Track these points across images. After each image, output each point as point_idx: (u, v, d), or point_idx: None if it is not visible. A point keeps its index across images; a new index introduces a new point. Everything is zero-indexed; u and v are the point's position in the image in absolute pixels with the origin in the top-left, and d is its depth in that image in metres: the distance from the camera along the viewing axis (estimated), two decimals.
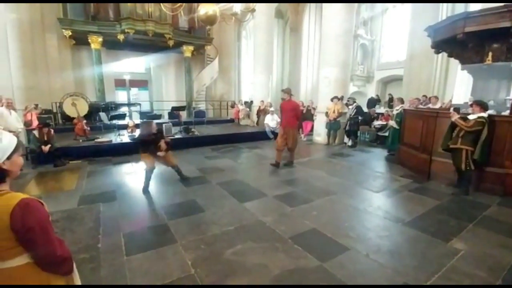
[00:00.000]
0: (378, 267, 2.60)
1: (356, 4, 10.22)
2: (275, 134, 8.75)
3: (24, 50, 10.15)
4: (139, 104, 13.45)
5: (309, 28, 17.29)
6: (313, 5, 16.71)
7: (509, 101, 5.78)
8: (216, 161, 6.81)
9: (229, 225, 3.39)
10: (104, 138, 7.88)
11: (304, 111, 10.58)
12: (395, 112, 7.49)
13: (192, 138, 8.93)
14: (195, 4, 6.56)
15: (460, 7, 10.39)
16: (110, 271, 2.51)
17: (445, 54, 7.35)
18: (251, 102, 13.77)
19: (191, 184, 4.98)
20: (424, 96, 9.12)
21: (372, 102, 14.18)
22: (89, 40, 11.98)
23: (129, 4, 11.78)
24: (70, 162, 6.48)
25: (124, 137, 8.30)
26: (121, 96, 17.16)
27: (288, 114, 6.04)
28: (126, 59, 14.93)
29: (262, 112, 11.78)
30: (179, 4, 6.39)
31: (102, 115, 9.80)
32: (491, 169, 4.56)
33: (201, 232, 3.23)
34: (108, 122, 9.42)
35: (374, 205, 4.12)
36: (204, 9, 5.96)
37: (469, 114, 4.55)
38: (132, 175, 5.61)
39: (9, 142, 1.15)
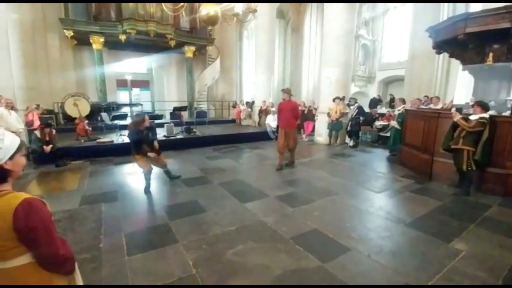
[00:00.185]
0: (380, 267, 2.60)
1: (357, 5, 10.22)
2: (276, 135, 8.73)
3: (26, 50, 10.17)
4: (141, 105, 13.48)
5: (310, 28, 17.28)
6: (314, 5, 16.70)
7: (509, 102, 5.76)
8: (218, 162, 6.82)
9: (231, 226, 3.39)
10: (105, 139, 7.90)
11: (306, 112, 10.59)
12: (396, 112, 7.48)
13: (193, 138, 8.94)
14: (197, 5, 6.58)
15: (461, 8, 10.36)
16: (112, 271, 2.51)
17: (446, 55, 7.34)
18: (253, 102, 13.78)
19: (192, 184, 4.99)
20: (425, 96, 9.10)
21: (374, 103, 14.18)
22: (91, 40, 12.02)
23: (130, 4, 11.81)
24: (72, 162, 6.50)
25: (126, 138, 8.30)
26: (122, 97, 17.21)
27: (288, 115, 5.99)
28: (128, 59, 14.97)
29: (263, 112, 11.78)
30: (180, 4, 6.40)
31: (104, 115, 9.83)
32: (492, 169, 4.55)
33: (203, 232, 3.23)
34: (110, 123, 9.44)
35: (376, 205, 4.11)
36: (206, 10, 5.96)
37: (470, 114, 4.54)
38: (134, 175, 5.61)
39: (12, 142, 1.15)
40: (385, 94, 18.35)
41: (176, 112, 10.51)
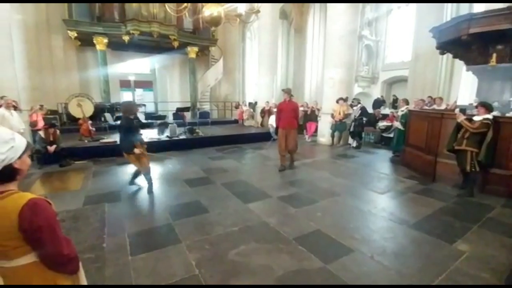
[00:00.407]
0: (383, 269, 2.59)
1: (360, 5, 10.18)
2: None
3: (30, 51, 10.27)
4: (144, 105, 13.53)
5: (313, 29, 17.26)
6: (317, 5, 16.69)
7: None
8: (220, 162, 6.82)
9: (233, 226, 3.39)
10: (109, 139, 7.94)
11: (309, 112, 10.58)
12: (400, 113, 7.45)
13: (196, 138, 8.96)
14: (200, 5, 6.59)
15: (464, 8, 10.31)
16: (115, 270, 2.53)
17: (450, 55, 7.31)
18: (255, 103, 13.79)
19: (195, 185, 5.00)
20: (429, 97, 9.05)
21: (378, 103, 14.13)
22: (94, 41, 12.09)
23: (134, 5, 11.87)
24: (76, 162, 6.54)
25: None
26: (126, 97, 17.24)
27: (289, 115, 5.89)
28: (131, 60, 15.03)
29: (266, 113, 11.78)
30: (184, 5, 6.42)
31: (107, 115, 9.89)
32: (496, 170, 4.52)
33: (205, 232, 3.24)
34: (113, 123, 9.50)
35: (379, 206, 4.10)
36: (209, 11, 5.97)
37: (474, 115, 4.52)
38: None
39: (21, 141, 1.17)
40: (388, 95, 18.29)
41: (179, 113, 10.53)
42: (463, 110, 4.65)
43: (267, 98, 12.62)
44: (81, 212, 3.81)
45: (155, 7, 12.22)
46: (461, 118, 4.41)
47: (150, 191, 4.60)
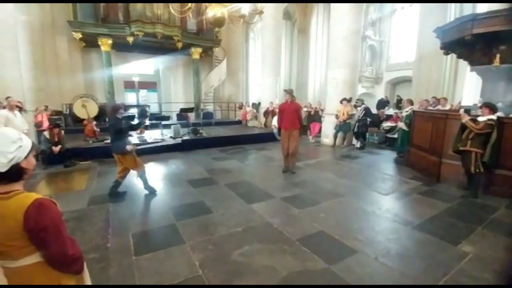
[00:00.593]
0: (387, 270, 2.58)
1: (364, 5, 10.17)
2: None
3: (35, 52, 10.35)
4: (148, 106, 13.60)
5: (317, 29, 17.25)
6: (321, 6, 16.67)
7: None
8: (224, 163, 6.83)
9: (237, 226, 3.39)
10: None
11: (312, 113, 10.56)
12: (404, 113, 7.41)
13: (200, 139, 8.98)
14: (204, 7, 6.61)
15: (468, 8, 10.23)
16: (119, 270, 2.54)
17: (454, 55, 7.25)
18: (259, 103, 13.79)
19: (199, 185, 5.01)
20: (433, 97, 9.00)
21: (382, 104, 14.06)
22: (99, 43, 12.18)
23: (138, 6, 11.94)
24: (80, 162, 6.58)
25: (133, 138, 8.38)
26: (130, 98, 17.37)
27: (291, 116, 5.78)
28: (135, 61, 15.12)
29: (270, 114, 11.79)
30: (187, 6, 6.45)
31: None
32: (500, 171, 4.49)
33: (209, 233, 3.25)
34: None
35: (383, 207, 4.08)
36: (213, 12, 6.00)
37: (478, 116, 4.49)
38: None
39: (27, 141, 1.18)
40: (392, 95, 18.19)
41: (182, 113, 10.58)
42: (467, 111, 4.63)
43: (270, 98, 12.63)
44: (86, 212, 3.84)
45: (159, 8, 12.28)
46: (465, 118, 4.38)
47: (151, 191, 4.58)
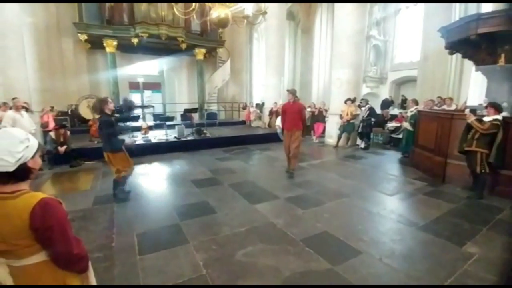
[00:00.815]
0: (391, 271, 2.56)
1: (368, 5, 10.11)
2: None
3: (41, 53, 10.47)
4: (153, 107, 13.62)
5: (320, 29, 17.20)
6: (324, 6, 16.63)
7: None
8: (228, 163, 6.84)
9: (241, 227, 3.40)
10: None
11: (316, 113, 10.54)
12: (409, 113, 7.37)
13: (204, 139, 9.00)
14: (208, 7, 6.64)
15: (472, 8, 10.14)
16: (124, 270, 2.56)
17: (459, 55, 7.21)
18: (263, 104, 13.79)
19: (203, 186, 5.02)
20: (439, 97, 8.93)
21: (386, 104, 13.99)
22: (104, 44, 12.30)
23: (143, 8, 12.04)
24: (85, 163, 6.63)
25: (138, 139, 8.43)
26: (134, 99, 17.43)
27: (294, 117, 5.68)
28: (140, 62, 15.21)
29: (274, 114, 11.78)
30: (191, 7, 6.48)
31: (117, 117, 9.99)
32: (506, 172, 4.44)
33: (213, 233, 3.25)
34: (122, 124, 9.58)
35: (388, 208, 4.05)
36: (216, 12, 6.02)
37: (484, 116, 4.45)
38: (145, 176, 5.70)
39: (34, 141, 1.20)
40: (397, 95, 18.07)
41: (187, 114, 10.61)
42: (473, 111, 4.58)
43: (274, 99, 12.62)
44: (91, 212, 3.87)
45: (163, 10, 12.36)
46: (471, 118, 4.34)
47: (122, 197, 4.21)
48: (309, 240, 3.08)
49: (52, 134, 6.47)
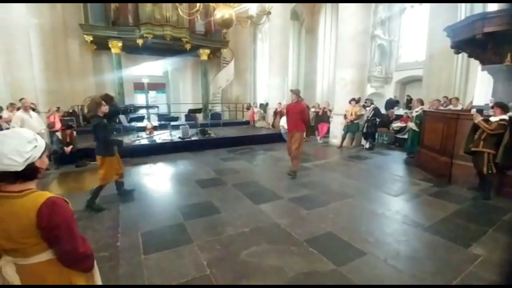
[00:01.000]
0: (396, 272, 2.55)
1: (373, 4, 10.02)
2: None
3: (47, 54, 10.59)
4: (157, 107, 13.72)
5: (325, 29, 17.16)
6: (329, 6, 16.58)
7: None
8: (232, 163, 6.85)
9: (245, 227, 3.40)
10: (123, 140, 8.08)
11: (320, 113, 10.50)
12: (414, 113, 7.31)
13: (208, 140, 9.03)
14: (212, 8, 6.66)
15: (478, 7, 10.03)
16: (128, 269, 2.58)
17: (465, 54, 7.14)
18: (267, 104, 13.79)
19: (207, 186, 5.03)
20: (445, 97, 8.85)
21: (391, 104, 13.89)
22: (110, 45, 12.38)
23: (147, 9, 12.11)
24: (91, 162, 6.66)
25: (143, 139, 8.50)
26: (139, 99, 17.58)
27: (296, 117, 5.59)
28: (145, 63, 15.28)
29: (278, 114, 11.78)
30: (196, 8, 6.50)
31: (122, 117, 10.07)
32: None
33: (217, 233, 3.26)
34: (127, 125, 9.68)
35: (393, 209, 4.03)
36: (220, 13, 6.03)
37: (490, 116, 4.40)
38: (150, 176, 5.73)
39: (42, 141, 1.22)
40: (402, 95, 17.93)
41: (191, 114, 10.66)
42: (480, 111, 4.53)
43: (278, 99, 12.61)
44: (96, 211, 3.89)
45: (168, 11, 12.42)
46: (478, 119, 4.29)
47: (95, 207, 3.92)
48: (313, 240, 3.07)
49: (58, 134, 6.54)
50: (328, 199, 4.36)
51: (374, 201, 4.33)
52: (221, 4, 6.08)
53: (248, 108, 15.09)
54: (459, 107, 7.71)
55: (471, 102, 8.87)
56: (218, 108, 16.08)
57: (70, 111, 11.52)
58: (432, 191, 4.78)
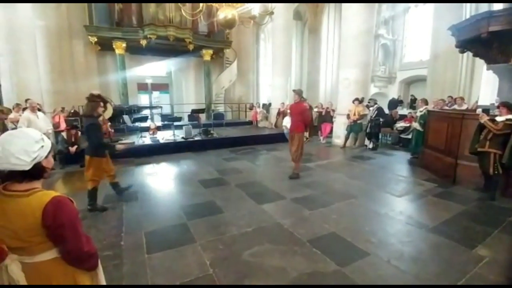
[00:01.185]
0: (399, 273, 2.53)
1: (376, 4, 10.00)
2: None
3: (52, 55, 10.68)
4: (161, 107, 13.83)
5: (328, 29, 17.10)
6: (332, 5, 16.53)
7: None
8: (235, 163, 6.86)
9: (247, 227, 3.40)
10: (127, 140, 8.12)
11: (323, 113, 10.48)
12: (418, 113, 7.26)
13: (211, 140, 9.05)
14: (214, 9, 6.67)
15: (484, 6, 9.94)
16: (132, 268, 2.59)
17: (470, 54, 7.09)
18: (269, 104, 13.78)
19: (209, 186, 5.04)
20: (449, 97, 8.79)
21: (393, 104, 13.83)
22: (114, 46, 12.48)
23: (151, 10, 12.18)
24: None
25: (146, 139, 8.54)
26: (143, 100, 17.67)
27: (296, 118, 5.50)
28: (148, 63, 15.36)
29: (281, 114, 11.77)
30: (199, 9, 6.53)
31: (126, 117, 10.15)
32: None
33: (220, 232, 3.27)
34: (131, 125, 9.74)
35: (396, 209, 4.01)
36: (223, 13, 6.04)
37: (496, 115, 4.36)
38: (153, 176, 5.76)
39: (48, 141, 1.24)
40: (406, 95, 17.85)
41: (194, 114, 10.67)
42: (485, 111, 4.49)
43: (281, 99, 12.60)
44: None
45: (171, 11, 12.48)
46: (484, 118, 4.24)
47: (100, 208, 3.96)
48: (316, 241, 3.07)
49: (63, 134, 6.59)
50: (331, 199, 4.35)
51: (377, 202, 4.31)
52: (224, 4, 6.09)
53: (251, 108, 15.11)
54: (464, 107, 7.65)
55: (476, 102, 8.79)
56: (221, 108, 16.12)
57: (73, 111, 11.60)
58: (436, 191, 4.74)
